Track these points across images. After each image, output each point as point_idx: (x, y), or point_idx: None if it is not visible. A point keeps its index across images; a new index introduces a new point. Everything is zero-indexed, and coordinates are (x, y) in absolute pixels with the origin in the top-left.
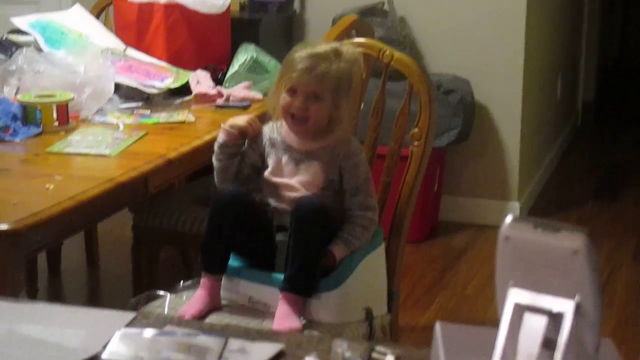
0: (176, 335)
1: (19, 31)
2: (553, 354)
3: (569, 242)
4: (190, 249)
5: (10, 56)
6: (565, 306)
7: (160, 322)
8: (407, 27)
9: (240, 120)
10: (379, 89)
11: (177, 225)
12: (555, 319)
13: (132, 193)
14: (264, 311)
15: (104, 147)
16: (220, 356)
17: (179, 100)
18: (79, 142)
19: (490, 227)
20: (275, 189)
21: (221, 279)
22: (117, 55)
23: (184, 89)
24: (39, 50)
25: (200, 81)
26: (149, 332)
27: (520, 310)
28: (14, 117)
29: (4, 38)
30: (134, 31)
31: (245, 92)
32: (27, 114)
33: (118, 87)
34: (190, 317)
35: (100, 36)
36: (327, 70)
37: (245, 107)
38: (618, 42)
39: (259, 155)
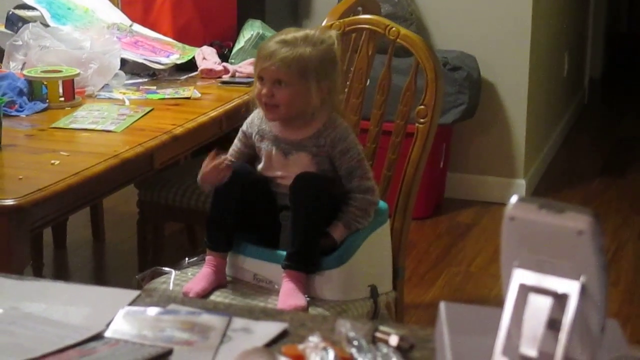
0: (180, 314)
1: (25, 6)
2: (558, 335)
3: (574, 222)
4: (195, 225)
5: (17, 31)
6: (570, 287)
7: (164, 301)
8: (414, 3)
9: (207, 169)
10: (385, 65)
11: (183, 200)
12: (560, 299)
13: (137, 169)
14: (269, 288)
15: (110, 122)
16: (224, 335)
17: (184, 76)
18: (84, 117)
19: (496, 204)
20: (271, 179)
21: (226, 257)
22: (123, 31)
23: (190, 65)
24: (45, 25)
25: (206, 57)
26: (152, 311)
27: (525, 290)
28: (20, 93)
29: (10, 13)
30: (140, 7)
31: (251, 69)
32: (33, 90)
33: (124, 63)
34: (194, 295)
35: (106, 12)
36: (287, 55)
37: (250, 84)
38: (625, 18)
39: (251, 147)
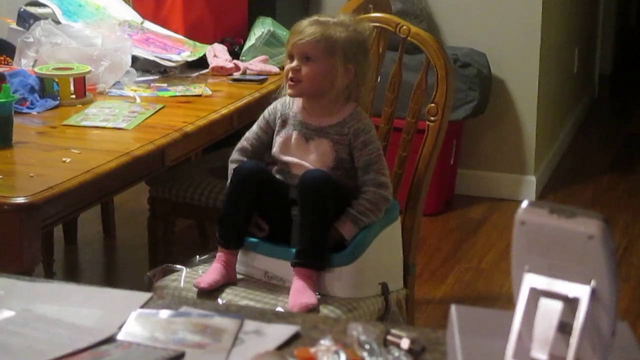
0: (192, 316)
1: (36, 3)
2: (569, 338)
3: (585, 227)
4: (206, 221)
5: (28, 28)
6: (581, 291)
7: (176, 303)
8: (424, 0)
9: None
10: (396, 63)
11: (194, 197)
12: (571, 303)
13: (148, 166)
14: (280, 285)
15: (121, 120)
16: (236, 337)
17: (195, 74)
18: (95, 115)
19: (507, 201)
20: (284, 166)
21: (237, 254)
22: (134, 28)
23: (201, 62)
24: (57, 22)
25: (217, 54)
26: (164, 313)
27: (536, 294)
28: (32, 90)
29: (21, 10)
30: (151, 4)
31: (262, 66)
32: (45, 87)
33: (135, 60)
34: (205, 285)
35: (117, 9)
36: (316, 31)
37: (261, 81)
38: (636, 15)
39: (270, 134)
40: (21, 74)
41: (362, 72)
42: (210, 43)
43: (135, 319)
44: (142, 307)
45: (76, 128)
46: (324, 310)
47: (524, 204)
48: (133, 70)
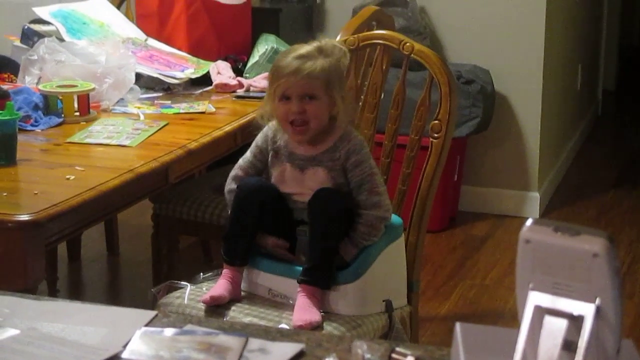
0: (197, 334)
1: (40, 21)
2: (574, 357)
3: (589, 245)
4: (210, 239)
5: (32, 46)
6: (585, 309)
7: (180, 321)
8: (428, 17)
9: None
10: (400, 80)
11: (197, 214)
12: (575, 321)
13: (152, 183)
14: (284, 303)
15: (125, 137)
16: (241, 356)
17: (199, 91)
18: (99, 132)
19: (510, 217)
20: (286, 195)
21: (242, 271)
22: (138, 45)
23: (205, 79)
24: (61, 39)
25: (221, 71)
26: (169, 331)
27: (540, 312)
28: (36, 107)
29: (25, 27)
30: (155, 21)
31: (266, 83)
32: (49, 104)
33: (139, 77)
34: (211, 300)
35: (121, 26)
36: (314, 68)
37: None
38: (639, 31)
39: (264, 162)
40: (25, 91)
41: (347, 94)
42: (214, 60)
43: (140, 337)
44: (147, 325)
45: (80, 145)
46: (328, 327)
47: (529, 222)
48: (137, 87)
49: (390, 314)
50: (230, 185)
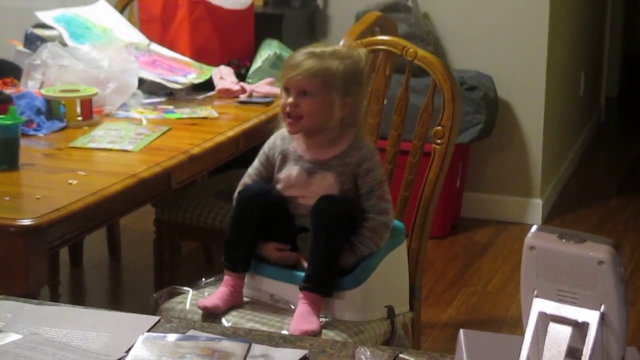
0: (199, 340)
1: (43, 25)
2: None
3: (594, 252)
4: (212, 244)
5: (35, 50)
6: (590, 316)
7: (183, 326)
8: (431, 23)
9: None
10: (403, 86)
11: (200, 219)
12: (580, 328)
13: (155, 188)
14: (286, 308)
15: (127, 142)
16: None
17: (202, 96)
18: (102, 137)
19: (513, 224)
20: (291, 199)
21: (244, 277)
22: (141, 50)
23: (207, 84)
24: (64, 44)
25: (224, 76)
26: (172, 337)
27: (545, 319)
28: (38, 112)
29: (28, 32)
30: (158, 26)
31: (268, 88)
32: (51, 109)
33: (142, 82)
34: (209, 307)
35: (124, 31)
36: (313, 65)
37: (267, 103)
38: None
39: (271, 170)
40: (28, 96)
41: (359, 101)
42: (217, 65)
43: (143, 342)
44: (150, 330)
45: (82, 150)
46: (330, 333)
47: (533, 228)
48: (140, 92)
49: (392, 320)
50: (237, 191)
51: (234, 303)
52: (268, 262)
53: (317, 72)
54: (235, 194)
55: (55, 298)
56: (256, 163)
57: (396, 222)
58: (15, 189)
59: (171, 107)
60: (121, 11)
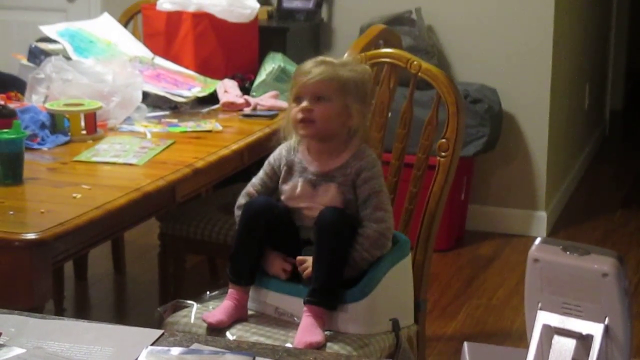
0: (203, 354)
1: (47, 39)
2: None
3: (599, 265)
4: (216, 257)
5: (39, 64)
6: (594, 329)
7: (187, 340)
8: (435, 36)
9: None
10: (407, 99)
11: (204, 233)
12: (584, 341)
13: (159, 202)
14: (290, 322)
15: (132, 156)
16: None
17: (206, 109)
18: (106, 150)
19: (517, 237)
20: (296, 210)
21: (249, 290)
22: (145, 64)
23: (212, 98)
24: (68, 58)
25: (228, 90)
26: (176, 350)
27: (549, 332)
28: (42, 126)
29: (32, 46)
30: (162, 40)
31: (273, 101)
32: (55, 123)
33: (146, 96)
34: (213, 322)
35: (128, 45)
36: (326, 71)
37: (272, 117)
38: None
39: (276, 181)
40: (32, 110)
41: (368, 112)
42: (221, 79)
43: (147, 356)
44: (154, 344)
45: (87, 164)
46: (335, 346)
47: (537, 241)
48: (144, 106)
49: (397, 333)
50: (240, 200)
51: (239, 317)
52: (273, 275)
53: (332, 76)
54: (238, 202)
55: (60, 312)
56: (261, 174)
57: (401, 235)
58: (19, 203)
59: (175, 120)
60: (125, 25)
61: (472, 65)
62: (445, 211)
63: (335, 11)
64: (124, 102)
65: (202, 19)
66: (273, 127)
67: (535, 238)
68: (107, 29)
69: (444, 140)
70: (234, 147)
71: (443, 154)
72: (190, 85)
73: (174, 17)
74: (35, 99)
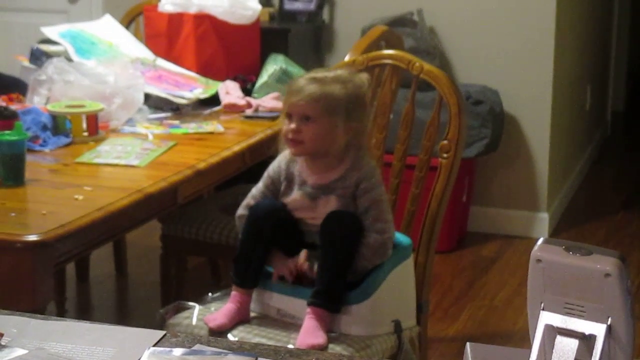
0: (206, 354)
1: (49, 41)
2: None
3: (601, 265)
4: (218, 259)
5: (41, 66)
6: (597, 329)
7: (189, 341)
8: (437, 37)
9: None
10: (409, 101)
11: (206, 235)
12: (587, 341)
13: (161, 204)
14: (292, 323)
15: (133, 157)
16: None
17: (208, 111)
18: (108, 152)
19: (519, 238)
20: (299, 219)
21: (252, 293)
22: (146, 65)
23: (213, 99)
24: (69, 60)
25: (230, 91)
26: (178, 351)
27: (551, 332)
28: (44, 127)
29: (34, 48)
30: (163, 41)
31: (274, 103)
32: (57, 124)
33: (147, 97)
34: (215, 326)
35: (130, 46)
36: (315, 91)
37: (273, 118)
38: None
39: (276, 192)
40: (34, 111)
41: (362, 126)
42: (223, 80)
43: (149, 357)
44: (156, 345)
45: (88, 165)
46: (337, 348)
47: (540, 241)
48: (145, 107)
49: (399, 334)
50: (240, 212)
51: (241, 319)
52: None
53: (320, 97)
54: (238, 213)
55: (62, 313)
56: (261, 186)
57: (403, 237)
58: (21, 204)
59: (177, 122)
60: (127, 26)
61: (473, 66)
62: (447, 212)
63: (337, 13)
64: (125, 104)
65: (204, 20)
66: (275, 128)
67: (537, 239)
68: (108, 30)
69: (445, 141)
70: (236, 148)
71: (445, 155)
72: (192, 86)
73: (176, 19)
74: (37, 101)
